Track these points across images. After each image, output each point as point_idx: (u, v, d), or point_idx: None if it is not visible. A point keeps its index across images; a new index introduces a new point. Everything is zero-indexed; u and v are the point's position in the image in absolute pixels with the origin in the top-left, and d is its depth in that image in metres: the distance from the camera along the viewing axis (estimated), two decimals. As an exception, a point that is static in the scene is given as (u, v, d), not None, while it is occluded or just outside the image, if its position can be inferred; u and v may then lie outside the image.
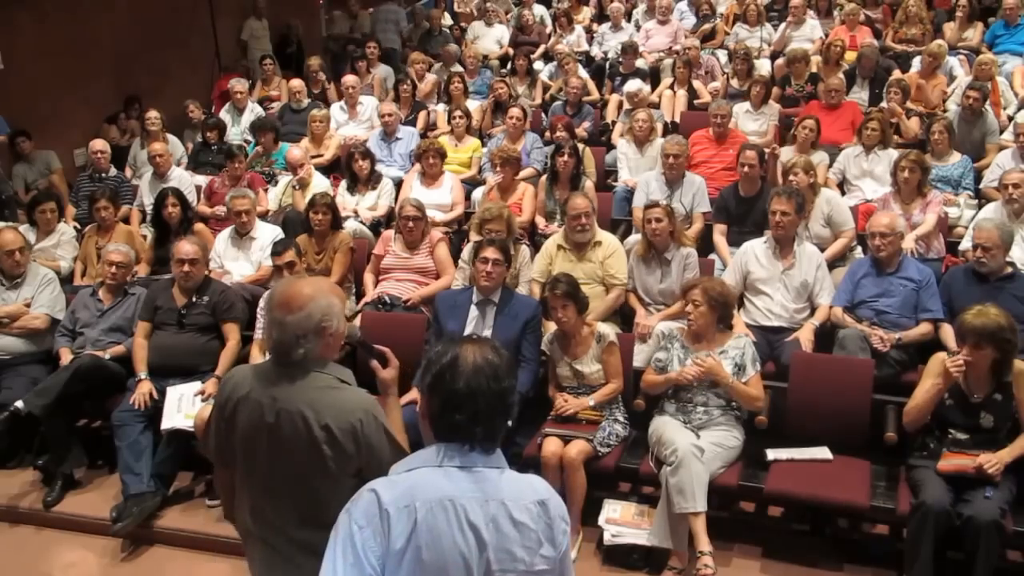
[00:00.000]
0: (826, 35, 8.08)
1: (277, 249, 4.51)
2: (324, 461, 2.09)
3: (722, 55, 8.42)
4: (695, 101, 7.52)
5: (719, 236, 5.23)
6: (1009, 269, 4.21)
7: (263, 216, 5.71)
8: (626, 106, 6.99)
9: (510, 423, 1.79)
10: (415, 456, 1.75)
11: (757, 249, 4.57)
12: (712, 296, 3.79)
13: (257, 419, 2.13)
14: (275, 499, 2.15)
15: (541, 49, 9.33)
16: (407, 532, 1.62)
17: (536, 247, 5.09)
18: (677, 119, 7.25)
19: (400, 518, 1.62)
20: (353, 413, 2.09)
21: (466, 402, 1.69)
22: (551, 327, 4.06)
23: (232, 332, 4.40)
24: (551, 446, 3.71)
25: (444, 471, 1.68)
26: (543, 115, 7.56)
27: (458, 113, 6.75)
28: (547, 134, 7.03)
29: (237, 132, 7.62)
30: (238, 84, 7.82)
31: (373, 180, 6.00)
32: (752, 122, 6.73)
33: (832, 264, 4.71)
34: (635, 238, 5.01)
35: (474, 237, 4.82)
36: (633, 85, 6.99)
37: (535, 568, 1.69)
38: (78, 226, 6.09)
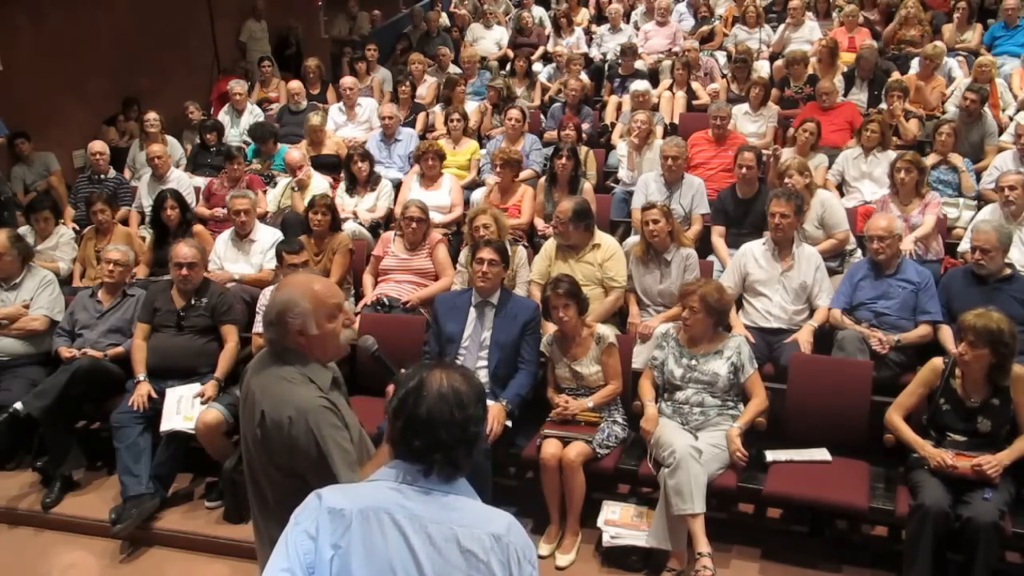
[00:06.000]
0: (825, 36, 8.08)
1: (294, 247, 4.52)
2: (259, 443, 2.13)
3: (721, 57, 8.43)
4: (694, 103, 7.54)
5: (717, 238, 5.23)
6: (1008, 271, 4.21)
7: (262, 218, 5.71)
8: (629, 106, 6.98)
9: (475, 452, 1.73)
10: (378, 471, 1.73)
11: (756, 251, 4.56)
12: (709, 303, 3.78)
13: (243, 388, 2.25)
14: (251, 472, 2.23)
15: (540, 51, 9.34)
16: (337, 538, 1.60)
17: (535, 249, 5.09)
18: (676, 121, 7.26)
19: (333, 521, 1.60)
20: (286, 408, 2.08)
21: (425, 428, 1.67)
22: (550, 328, 4.06)
23: (230, 334, 4.40)
24: (550, 448, 3.72)
25: (397, 487, 1.66)
26: (542, 117, 7.57)
27: (455, 116, 6.75)
28: (547, 134, 7.05)
29: (236, 134, 7.61)
30: (237, 86, 7.83)
31: (372, 182, 6.01)
32: (751, 124, 6.74)
33: (831, 269, 4.70)
34: (634, 239, 5.01)
35: (468, 240, 4.81)
36: (640, 85, 6.99)
37: None
38: (77, 228, 6.08)
